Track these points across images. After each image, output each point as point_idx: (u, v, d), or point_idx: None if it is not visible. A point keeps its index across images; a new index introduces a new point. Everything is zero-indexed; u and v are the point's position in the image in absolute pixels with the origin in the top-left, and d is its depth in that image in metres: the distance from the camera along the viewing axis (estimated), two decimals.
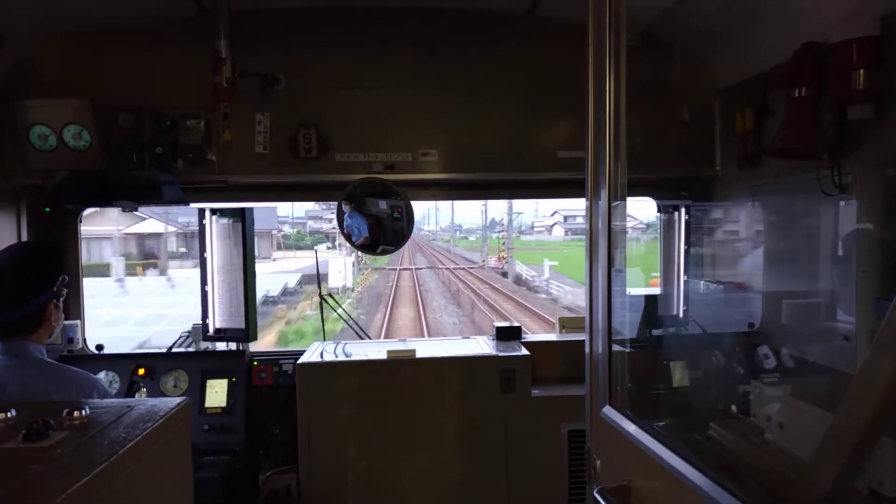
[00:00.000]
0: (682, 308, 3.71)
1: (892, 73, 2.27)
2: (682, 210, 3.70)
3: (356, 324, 4.15)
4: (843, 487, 1.07)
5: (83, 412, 1.50)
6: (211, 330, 3.62)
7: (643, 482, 1.46)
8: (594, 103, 1.73)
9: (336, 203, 3.62)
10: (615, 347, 1.73)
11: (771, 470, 1.49)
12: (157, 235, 36.80)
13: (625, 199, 1.70)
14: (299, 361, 3.40)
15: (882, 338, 0.98)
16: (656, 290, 3.83)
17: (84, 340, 3.69)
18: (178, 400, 1.69)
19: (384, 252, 3.80)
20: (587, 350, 1.79)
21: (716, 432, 1.72)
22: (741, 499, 1.12)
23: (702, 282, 3.71)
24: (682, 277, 3.70)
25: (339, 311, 4.06)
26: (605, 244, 1.66)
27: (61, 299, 2.42)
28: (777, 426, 1.54)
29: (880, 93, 2.29)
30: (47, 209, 3.55)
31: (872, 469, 1.12)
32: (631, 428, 1.54)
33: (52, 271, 2.35)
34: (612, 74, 1.67)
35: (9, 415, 1.46)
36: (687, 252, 3.69)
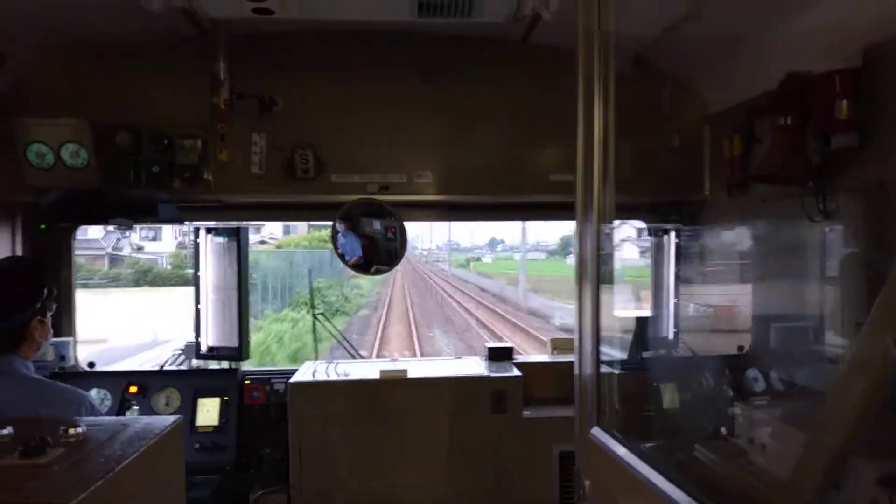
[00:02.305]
0: (671, 330, 3.75)
1: (873, 104, 2.33)
2: (672, 234, 3.76)
3: (348, 343, 4.16)
4: None
5: (79, 429, 1.52)
6: (203, 348, 3.62)
7: (631, 503, 1.48)
8: (584, 128, 1.78)
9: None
10: (604, 369, 1.76)
11: (753, 490, 1.51)
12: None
13: (612, 223, 1.74)
14: (291, 380, 3.40)
15: (855, 357, 1.02)
16: (647, 312, 3.88)
17: (76, 357, 3.69)
18: (172, 418, 1.71)
19: (378, 272, 3.83)
20: (576, 371, 1.82)
21: (700, 454, 1.74)
22: None
23: (691, 304, 3.75)
24: (672, 300, 3.74)
25: (332, 329, 4.08)
26: (593, 266, 1.69)
27: (49, 314, 2.42)
28: (759, 448, 1.57)
29: (863, 122, 2.36)
30: (42, 226, 3.56)
31: (848, 490, 1.15)
32: (619, 450, 1.56)
33: (34, 287, 2.35)
34: (601, 100, 1.72)
35: (5, 431, 1.47)
36: (677, 275, 3.74)
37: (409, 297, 31.28)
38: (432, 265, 61.76)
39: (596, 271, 1.70)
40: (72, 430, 1.50)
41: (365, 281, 26.92)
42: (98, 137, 3.19)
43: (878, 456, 1.20)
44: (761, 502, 1.42)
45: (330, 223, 3.66)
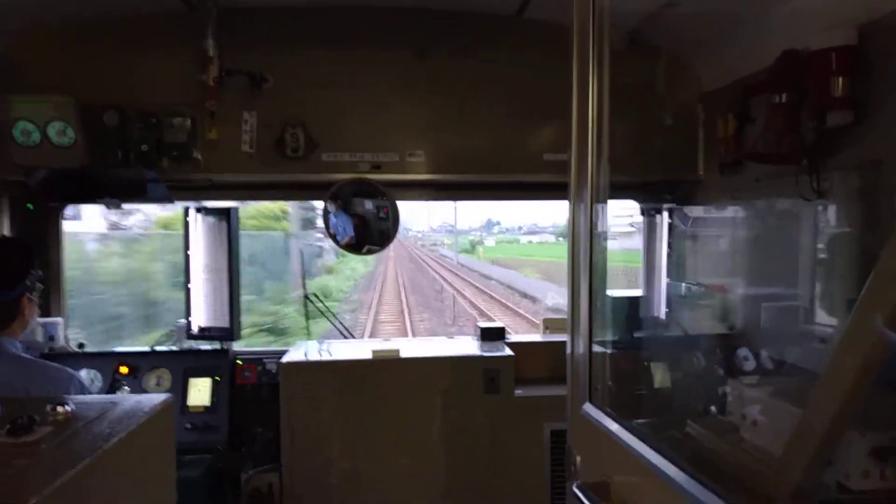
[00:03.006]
0: (663, 310, 3.76)
1: (869, 81, 2.32)
2: (665, 213, 3.75)
3: (341, 323, 4.16)
4: (811, 480, 1.11)
5: (67, 408, 1.50)
6: (195, 328, 3.61)
7: (622, 478, 1.49)
8: (578, 106, 1.76)
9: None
10: (597, 348, 1.76)
11: (745, 466, 1.52)
12: None
13: (606, 202, 1.73)
14: (283, 360, 3.40)
15: (847, 336, 1.02)
16: (639, 292, 3.88)
17: (66, 338, 3.66)
18: (162, 397, 1.70)
19: (369, 252, 3.81)
20: (569, 348, 1.82)
21: (693, 430, 1.75)
22: (716, 492, 1.15)
23: (683, 284, 3.76)
24: (665, 280, 3.75)
25: (323, 309, 4.06)
26: (586, 245, 1.69)
27: (35, 293, 2.41)
28: (751, 424, 1.57)
29: (858, 100, 2.35)
30: (29, 205, 3.52)
31: (840, 463, 1.16)
32: (611, 425, 1.56)
33: (23, 265, 2.34)
34: (595, 78, 1.70)
35: None
36: (669, 255, 3.74)
37: (406, 307, 19.32)
38: (430, 250, 53.66)
39: (589, 251, 1.69)
40: (59, 409, 1.49)
41: (337, 281, 21.68)
42: (85, 115, 3.15)
43: (869, 429, 1.21)
44: (754, 478, 1.43)
45: (320, 202, 3.63)
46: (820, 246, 2.74)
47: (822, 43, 2.39)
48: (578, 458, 1.71)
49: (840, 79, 2.36)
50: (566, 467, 1.79)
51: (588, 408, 1.69)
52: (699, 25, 3.20)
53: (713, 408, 1.87)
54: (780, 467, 1.23)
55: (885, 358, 1.04)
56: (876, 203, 2.33)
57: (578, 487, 1.53)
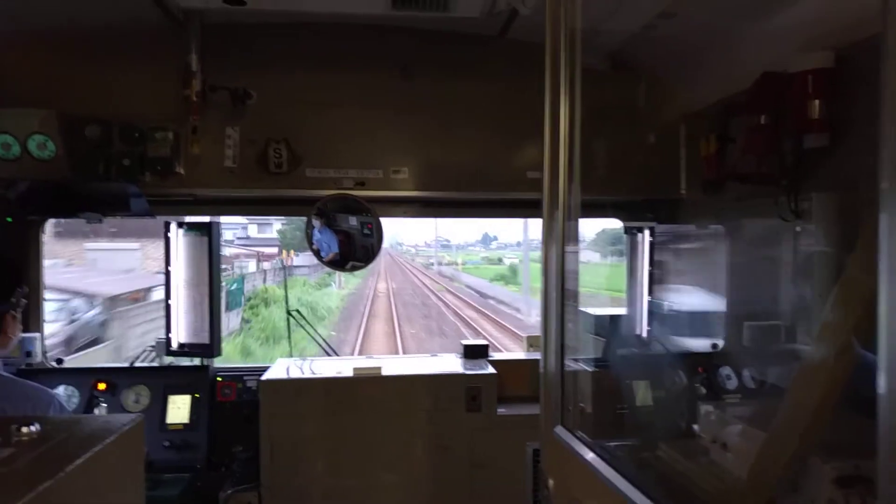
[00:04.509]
0: (645, 328, 3.75)
1: (845, 104, 2.34)
2: (647, 232, 3.76)
3: (324, 340, 4.13)
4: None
5: (33, 428, 1.47)
6: (174, 345, 3.57)
7: (591, 502, 1.47)
8: (550, 127, 1.76)
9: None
10: (572, 367, 1.75)
11: (714, 490, 1.51)
12: None
13: (577, 220, 1.73)
14: (263, 377, 3.37)
15: (810, 357, 1.01)
16: (620, 310, 3.88)
17: (44, 354, 3.62)
18: (131, 416, 1.67)
19: (353, 268, 3.79)
20: (541, 369, 1.80)
21: (664, 453, 1.74)
22: None
23: (665, 302, 3.76)
24: (646, 298, 3.75)
25: (306, 327, 4.04)
26: (558, 263, 1.68)
27: (19, 311, 2.37)
28: (721, 447, 1.56)
29: (835, 122, 2.37)
30: (9, 219, 3.49)
31: (805, 490, 1.14)
32: (581, 449, 1.55)
33: (8, 282, 2.31)
34: (567, 98, 1.70)
35: None
36: (651, 273, 3.75)
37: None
38: (427, 270, 45.28)
39: (561, 268, 1.69)
40: (24, 429, 1.45)
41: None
42: (67, 129, 3.13)
43: (834, 456, 1.20)
44: (721, 502, 1.41)
45: (304, 218, 3.62)
46: (798, 266, 2.75)
47: (800, 66, 2.41)
48: (551, 481, 1.69)
49: (817, 101, 2.38)
50: (540, 490, 1.77)
51: (560, 430, 1.67)
52: (680, 46, 3.22)
53: (685, 428, 1.86)
54: (746, 489, 1.22)
55: (849, 375, 1.03)
56: (853, 224, 2.34)
57: None
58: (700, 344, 3.58)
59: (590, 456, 1.47)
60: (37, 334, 3.54)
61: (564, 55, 1.67)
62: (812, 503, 1.12)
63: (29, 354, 3.45)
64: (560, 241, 1.68)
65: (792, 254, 2.84)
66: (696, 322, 3.64)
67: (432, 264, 51.37)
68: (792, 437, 1.05)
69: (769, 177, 2.70)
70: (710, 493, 1.48)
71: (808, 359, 1.03)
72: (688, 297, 3.70)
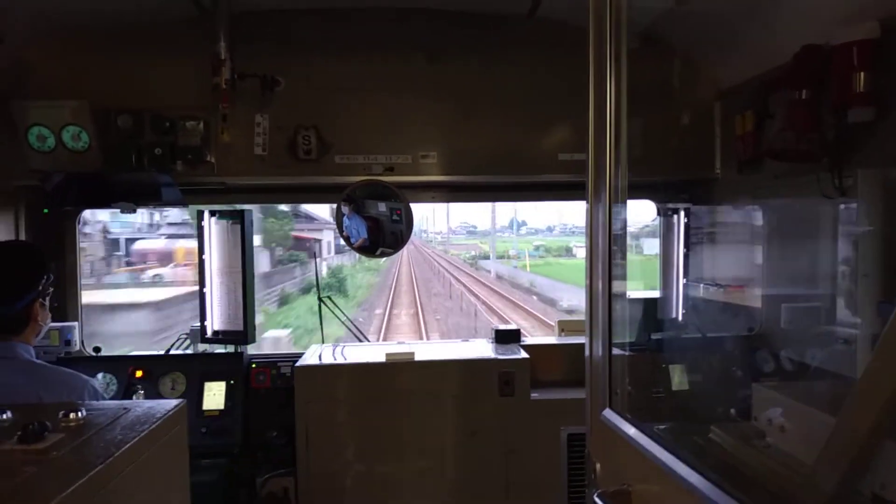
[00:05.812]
0: (681, 311, 3.70)
1: (892, 76, 2.26)
2: (682, 213, 3.70)
3: (355, 326, 4.14)
4: (846, 491, 1.06)
5: (79, 414, 1.49)
6: (209, 332, 3.61)
7: (643, 486, 1.45)
8: (595, 106, 1.72)
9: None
10: (615, 350, 1.72)
11: (773, 473, 1.48)
12: None
13: (625, 202, 1.69)
14: (297, 364, 3.39)
15: (885, 341, 0.97)
16: (656, 293, 3.83)
17: (82, 342, 3.68)
18: (174, 402, 1.68)
19: (383, 254, 3.79)
20: (587, 353, 1.78)
21: (717, 435, 1.70)
22: (742, 501, 1.11)
23: (701, 284, 3.70)
24: (682, 280, 3.69)
25: (338, 313, 4.05)
26: (605, 247, 1.65)
27: (47, 298, 2.40)
28: (778, 430, 1.53)
29: (881, 95, 2.29)
30: (45, 210, 3.54)
31: (876, 473, 1.11)
32: (631, 431, 1.52)
33: (36, 271, 2.34)
34: (612, 77, 1.66)
35: (4, 416, 1.44)
36: (686, 255, 3.69)
37: None
38: (475, 271, 35.08)
39: (608, 252, 1.66)
40: (72, 415, 1.48)
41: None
42: (99, 120, 3.17)
43: None
44: (783, 486, 1.38)
45: (334, 205, 3.62)
46: (841, 245, 2.68)
47: (844, 37, 2.33)
48: (598, 465, 1.68)
49: (862, 74, 2.30)
50: (586, 474, 1.75)
51: (608, 413, 1.65)
52: (715, 22, 3.15)
53: (733, 412, 1.83)
54: (811, 476, 1.19)
55: None
56: None
57: (599, 496, 1.49)
58: (736, 326, 3.52)
59: (642, 438, 1.44)
60: (75, 323, 3.59)
61: (610, 32, 1.62)
62: (882, 486, 1.09)
63: (68, 343, 3.50)
64: (607, 225, 1.64)
65: (831, 232, 2.77)
66: (732, 305, 3.58)
67: (474, 258, 41.53)
68: (866, 422, 1.01)
69: (809, 153, 2.64)
70: (772, 477, 1.45)
71: (882, 343, 0.99)
72: (723, 279, 3.63)
